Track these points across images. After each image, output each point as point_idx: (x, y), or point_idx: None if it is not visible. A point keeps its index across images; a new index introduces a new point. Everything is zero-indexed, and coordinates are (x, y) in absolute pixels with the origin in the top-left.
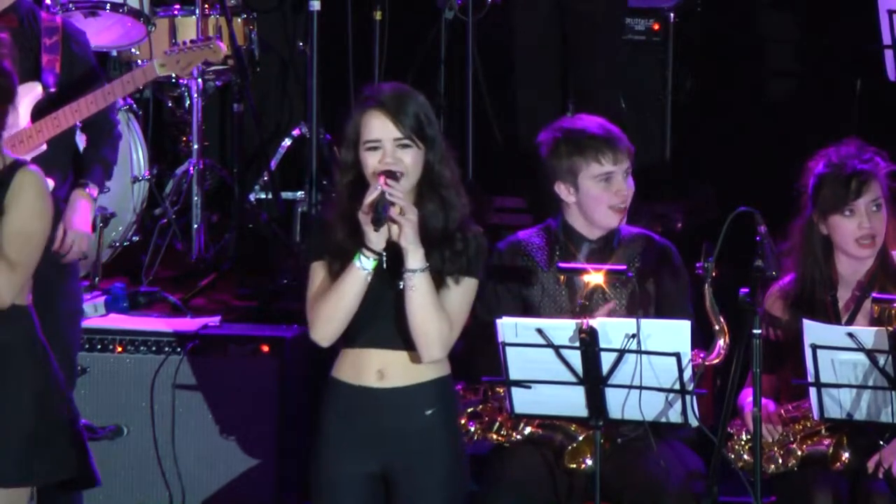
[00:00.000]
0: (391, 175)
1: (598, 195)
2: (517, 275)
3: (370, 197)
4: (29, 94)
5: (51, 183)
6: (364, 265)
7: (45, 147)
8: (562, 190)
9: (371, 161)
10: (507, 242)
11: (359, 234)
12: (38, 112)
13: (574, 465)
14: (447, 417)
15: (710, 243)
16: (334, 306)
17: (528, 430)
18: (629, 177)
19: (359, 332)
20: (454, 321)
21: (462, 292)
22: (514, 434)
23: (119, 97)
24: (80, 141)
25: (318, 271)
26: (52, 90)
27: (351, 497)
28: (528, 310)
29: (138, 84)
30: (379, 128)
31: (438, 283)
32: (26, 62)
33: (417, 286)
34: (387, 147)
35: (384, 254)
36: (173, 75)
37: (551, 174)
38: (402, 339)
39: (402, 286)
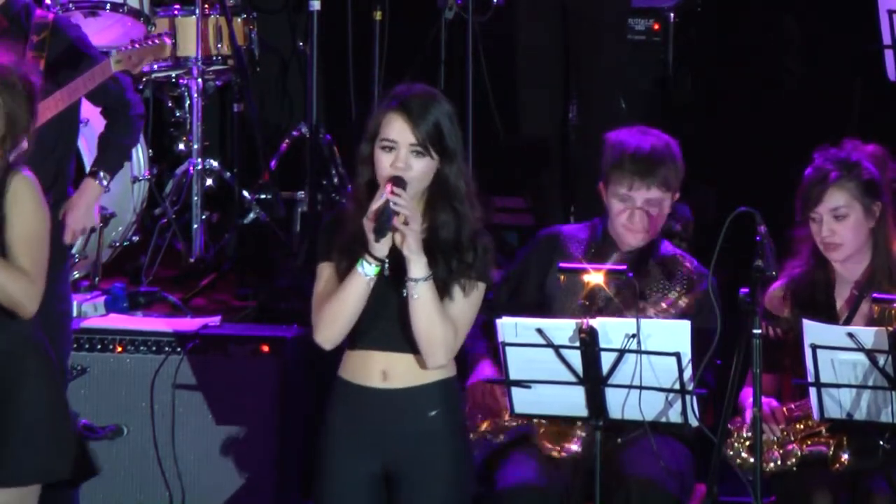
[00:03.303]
0: (398, 182)
1: (616, 212)
2: (544, 266)
3: (375, 204)
4: None
5: None
6: (366, 271)
7: (25, 145)
8: (602, 191)
9: (383, 161)
10: (547, 233)
11: (366, 237)
12: None
13: (555, 453)
14: (452, 419)
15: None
16: (337, 310)
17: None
18: (654, 208)
19: (363, 334)
20: (459, 327)
21: (469, 299)
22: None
23: (82, 93)
24: (86, 139)
25: (324, 272)
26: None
27: (353, 497)
28: (544, 303)
29: (97, 80)
30: (397, 130)
31: (444, 290)
32: None
33: (421, 295)
34: (401, 151)
35: (387, 261)
36: (173, 75)
37: (602, 173)
38: (406, 341)
39: (405, 294)
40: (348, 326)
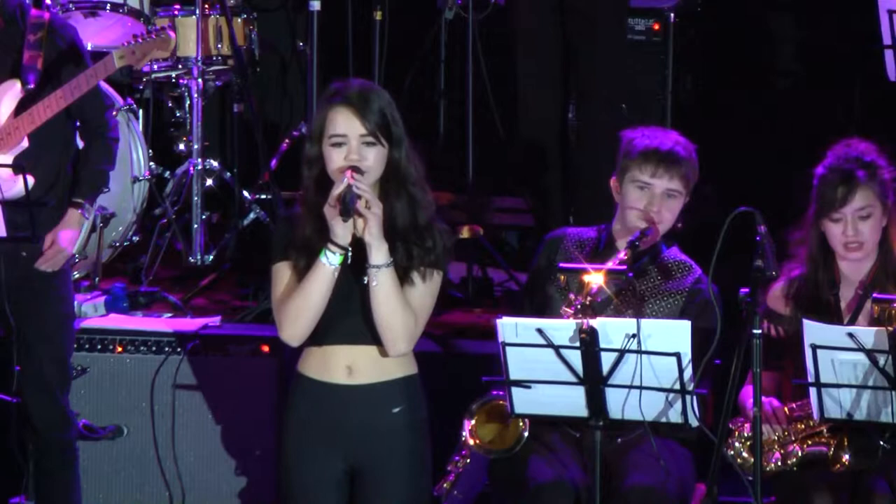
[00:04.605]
0: (357, 170)
1: (633, 200)
2: (547, 268)
3: (337, 190)
4: (9, 92)
5: (29, 180)
6: (330, 261)
7: (26, 144)
8: (614, 186)
9: (335, 157)
10: (552, 235)
11: (325, 229)
12: (24, 109)
13: (474, 444)
14: (413, 417)
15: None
16: (303, 304)
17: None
18: (672, 201)
19: (327, 329)
20: (419, 315)
21: (428, 286)
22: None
23: (85, 90)
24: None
25: (282, 271)
26: (31, 87)
27: (318, 493)
28: (547, 306)
29: (100, 77)
30: (344, 123)
31: (405, 277)
32: (8, 60)
33: (381, 282)
34: (352, 143)
35: (350, 249)
36: (173, 75)
37: (617, 167)
38: (370, 334)
39: (366, 281)
40: (314, 321)
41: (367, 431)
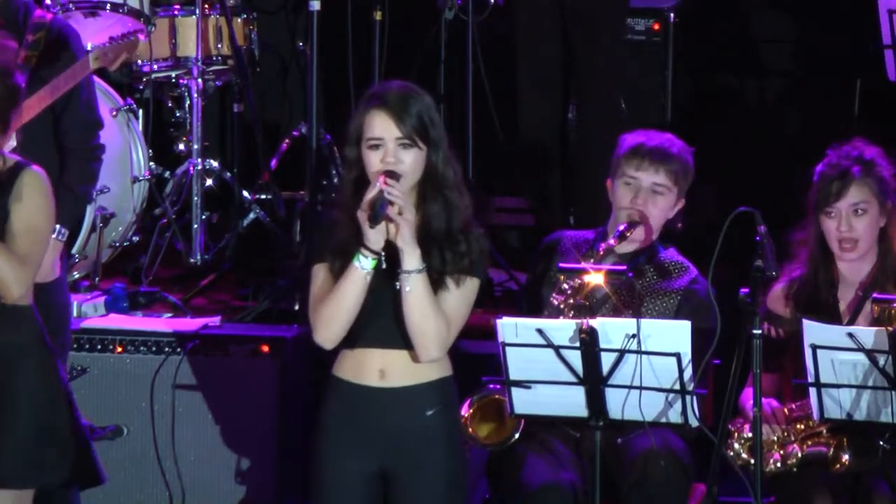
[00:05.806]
0: (392, 175)
1: (620, 196)
2: (543, 272)
3: (369, 195)
4: None
5: None
6: (363, 265)
7: (14, 142)
8: (609, 186)
9: (373, 159)
10: (549, 239)
11: (360, 233)
12: None
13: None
14: (448, 419)
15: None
16: (336, 307)
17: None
18: (659, 197)
19: (360, 332)
20: (452, 321)
21: (462, 293)
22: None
23: (64, 91)
24: None
25: (319, 273)
26: (22, 86)
27: (350, 496)
28: (544, 309)
29: (77, 78)
30: (381, 126)
31: (439, 283)
32: None
33: (413, 287)
34: (388, 146)
35: (383, 254)
36: (173, 75)
37: (611, 167)
38: (403, 337)
39: (398, 287)
40: (348, 324)
41: (402, 434)
